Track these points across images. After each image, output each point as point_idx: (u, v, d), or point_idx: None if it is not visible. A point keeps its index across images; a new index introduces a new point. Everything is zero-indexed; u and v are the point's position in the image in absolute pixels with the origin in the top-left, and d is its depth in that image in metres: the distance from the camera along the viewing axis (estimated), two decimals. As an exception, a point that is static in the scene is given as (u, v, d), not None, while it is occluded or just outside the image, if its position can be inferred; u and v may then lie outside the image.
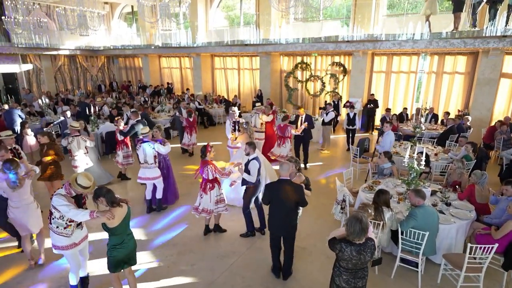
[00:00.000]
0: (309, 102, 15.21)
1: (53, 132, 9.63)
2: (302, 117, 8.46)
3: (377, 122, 13.08)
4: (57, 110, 13.43)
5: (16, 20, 13.73)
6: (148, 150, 5.89)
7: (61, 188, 3.72)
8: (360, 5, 12.17)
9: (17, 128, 9.78)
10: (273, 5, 7.22)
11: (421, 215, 4.15)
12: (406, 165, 5.07)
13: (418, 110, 11.91)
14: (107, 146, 9.57)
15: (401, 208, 4.85)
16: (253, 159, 5.04)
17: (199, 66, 17.31)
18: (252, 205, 5.35)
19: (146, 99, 15.38)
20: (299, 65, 14.72)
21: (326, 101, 13.10)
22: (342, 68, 13.79)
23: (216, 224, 5.60)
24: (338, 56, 13.99)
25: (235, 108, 7.90)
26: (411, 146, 7.91)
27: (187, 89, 16.97)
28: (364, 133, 12.61)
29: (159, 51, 18.06)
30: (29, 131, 8.93)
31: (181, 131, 9.97)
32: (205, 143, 5.18)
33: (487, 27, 9.16)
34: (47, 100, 12.51)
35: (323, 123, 9.90)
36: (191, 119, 9.28)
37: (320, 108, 12.07)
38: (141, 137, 6.10)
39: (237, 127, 7.64)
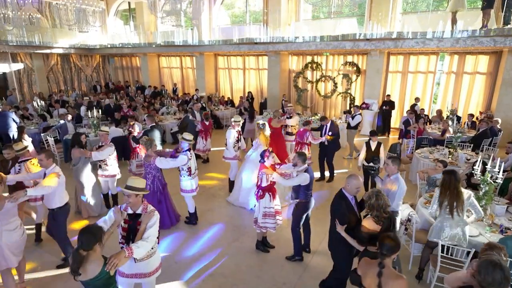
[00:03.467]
0: (320, 103, 14.56)
1: (52, 138, 8.74)
2: (327, 126, 7.75)
3: (393, 124, 12.54)
4: (52, 112, 12.44)
5: (5, 16, 12.73)
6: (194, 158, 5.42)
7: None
8: (377, 2, 11.53)
9: (12, 133, 8.83)
10: (308, 0, 6.46)
11: None
12: (479, 178, 4.41)
13: (439, 112, 11.43)
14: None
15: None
16: (305, 171, 4.29)
17: (202, 66, 16.45)
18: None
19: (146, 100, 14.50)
20: (310, 65, 14.06)
21: (351, 104, 12.44)
22: (355, 68, 13.17)
23: (264, 237, 4.91)
24: (351, 56, 13.36)
25: (239, 118, 7.04)
26: (450, 152, 7.38)
27: (197, 90, 15.98)
28: (380, 136, 11.96)
29: (159, 50, 17.13)
30: (26, 136, 7.99)
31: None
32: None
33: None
34: (42, 103, 11.49)
35: (349, 127, 9.21)
36: (207, 123, 8.46)
37: (344, 112, 11.37)
38: (185, 145, 5.28)
39: (240, 137, 6.96)
